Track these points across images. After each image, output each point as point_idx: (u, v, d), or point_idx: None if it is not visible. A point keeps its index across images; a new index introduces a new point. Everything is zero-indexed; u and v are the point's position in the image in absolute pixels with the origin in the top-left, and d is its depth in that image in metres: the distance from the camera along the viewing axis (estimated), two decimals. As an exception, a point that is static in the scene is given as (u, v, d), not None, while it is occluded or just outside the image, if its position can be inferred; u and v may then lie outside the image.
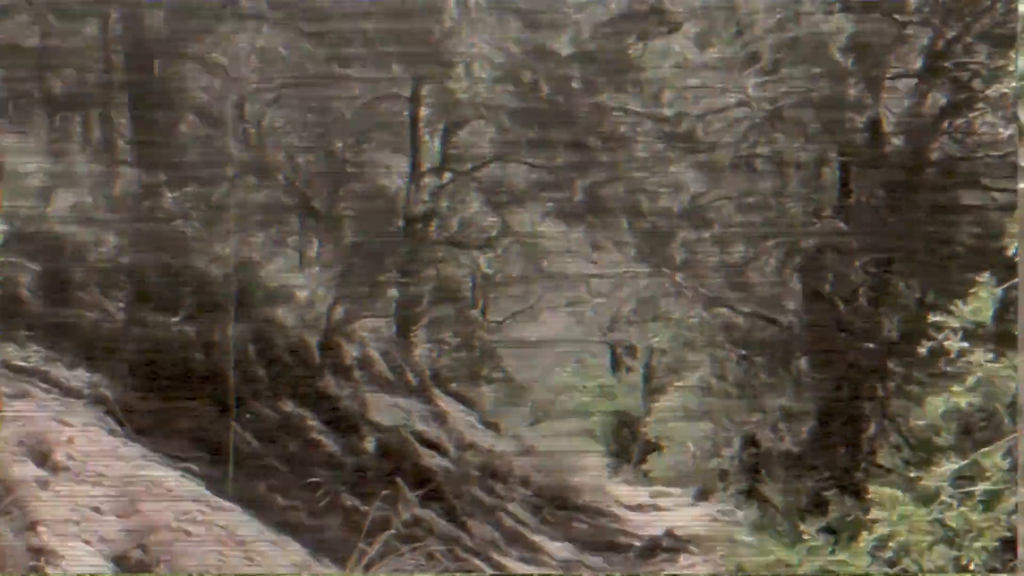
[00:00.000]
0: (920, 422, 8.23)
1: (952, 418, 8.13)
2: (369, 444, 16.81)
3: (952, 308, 7.66)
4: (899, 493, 7.48)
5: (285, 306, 18.20)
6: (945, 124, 14.17)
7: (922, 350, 7.86)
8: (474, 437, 22.00)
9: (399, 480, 16.24)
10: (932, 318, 7.72)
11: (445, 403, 22.94)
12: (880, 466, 14.89)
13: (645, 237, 15.65)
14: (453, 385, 25.34)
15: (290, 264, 20.35)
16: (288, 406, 15.68)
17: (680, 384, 27.79)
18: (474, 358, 29.15)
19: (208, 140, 19.49)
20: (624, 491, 25.29)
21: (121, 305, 13.99)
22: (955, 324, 7.73)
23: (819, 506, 13.96)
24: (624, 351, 33.45)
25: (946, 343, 7.77)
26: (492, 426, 24.36)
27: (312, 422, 15.85)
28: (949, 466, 7.88)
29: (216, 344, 14.89)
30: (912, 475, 7.99)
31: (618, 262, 16.84)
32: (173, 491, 10.17)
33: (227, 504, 10.73)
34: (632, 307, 19.69)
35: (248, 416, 14.12)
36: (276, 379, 16.00)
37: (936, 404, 8.10)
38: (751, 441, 22.32)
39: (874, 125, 14.21)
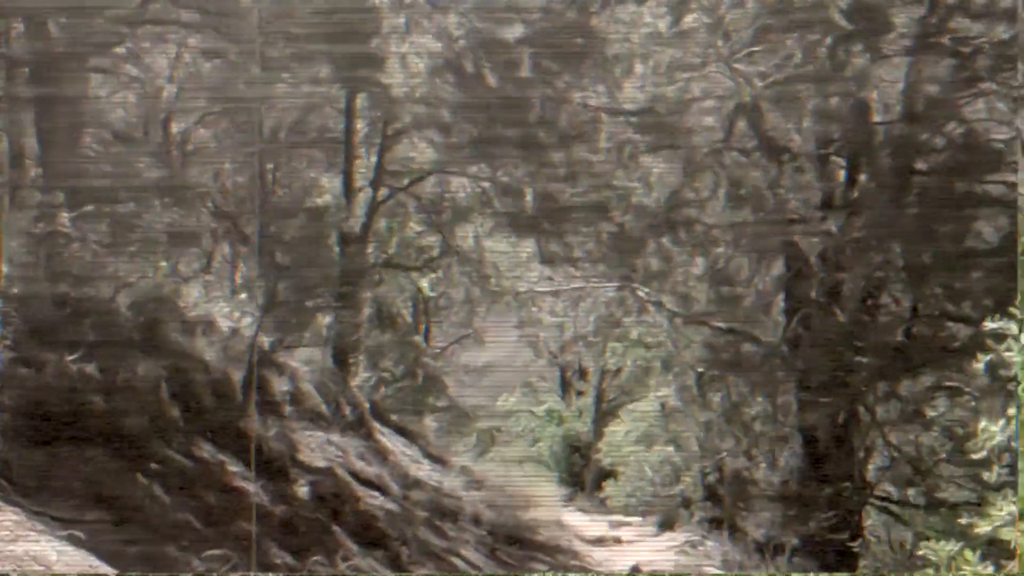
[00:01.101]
0: (973, 454, 6.50)
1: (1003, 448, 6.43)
2: (301, 489, 14.88)
3: (1015, 310, 5.91)
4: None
5: (205, 338, 16.25)
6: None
7: (979, 364, 6.09)
8: (419, 473, 20.07)
9: (336, 528, 14.35)
10: (989, 325, 5.96)
11: (386, 437, 21.01)
12: (883, 498, 13.18)
13: (612, 244, 13.82)
14: (394, 417, 23.39)
15: (210, 292, 18.36)
16: (205, 451, 13.73)
17: (634, 408, 26.11)
18: (417, 387, 27.28)
19: (119, 158, 17.64)
20: (582, 523, 23.43)
21: (7, 342, 11.99)
22: (1015, 330, 6.01)
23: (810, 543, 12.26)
24: (574, 374, 31.66)
25: (1005, 354, 6.05)
26: (437, 459, 22.41)
27: (233, 468, 13.91)
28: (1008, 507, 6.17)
29: (120, 384, 12.94)
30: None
31: (575, 276, 15.02)
32: (53, 567, 8.22)
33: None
34: (591, 327, 17.89)
35: (156, 466, 12.16)
36: (192, 421, 14.04)
37: (991, 433, 6.36)
38: (717, 467, 20.59)
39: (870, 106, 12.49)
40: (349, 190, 20.75)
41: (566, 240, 15.06)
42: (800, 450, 14.01)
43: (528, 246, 17.18)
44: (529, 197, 14.82)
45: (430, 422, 28.11)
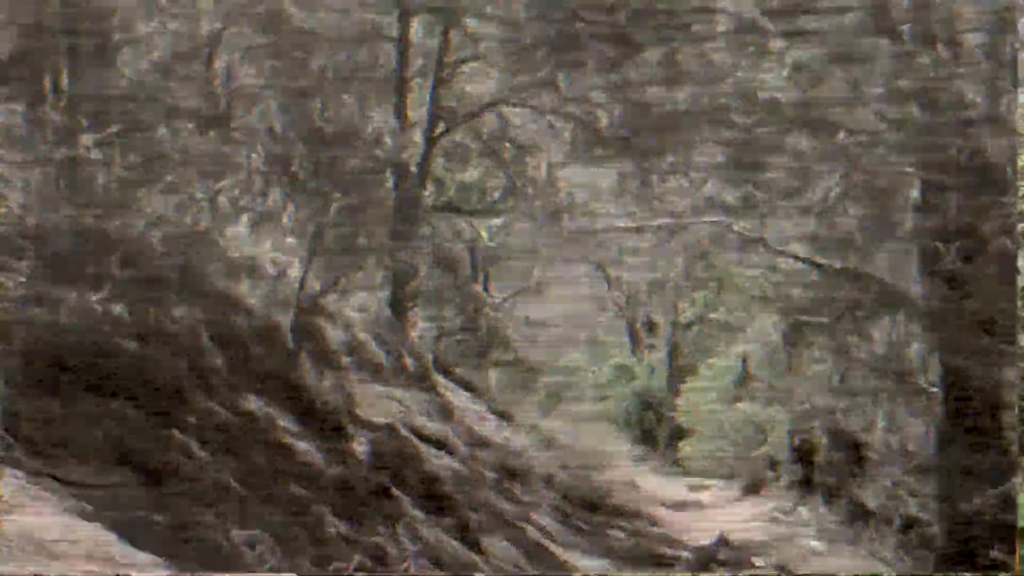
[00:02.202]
0: None
1: None
2: (359, 448, 13.26)
3: None
4: None
5: (249, 281, 14.65)
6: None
7: None
8: (486, 431, 18.46)
9: (397, 492, 12.72)
10: None
11: (450, 392, 19.40)
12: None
13: (733, 154, 11.95)
14: (457, 370, 21.75)
15: (256, 232, 16.73)
16: (252, 404, 12.13)
17: (714, 363, 24.35)
18: (479, 339, 25.69)
19: (155, 86, 16.09)
20: (658, 485, 21.76)
21: (21, 278, 10.40)
22: None
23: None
24: (643, 326, 29.87)
25: None
26: (504, 416, 20.75)
27: (283, 423, 12.30)
28: None
29: (152, 328, 11.34)
30: None
31: (662, 211, 13.23)
32: (54, 548, 6.61)
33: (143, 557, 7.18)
34: (679, 269, 15.94)
35: (193, 420, 10.56)
36: (237, 371, 12.45)
37: None
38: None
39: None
40: (403, 126, 19.08)
41: (657, 164, 13.20)
42: (939, 411, 12.14)
43: (609, 176, 15.33)
44: (614, 113, 12.97)
45: (494, 376, 26.67)
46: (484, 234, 25.11)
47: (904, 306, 12.11)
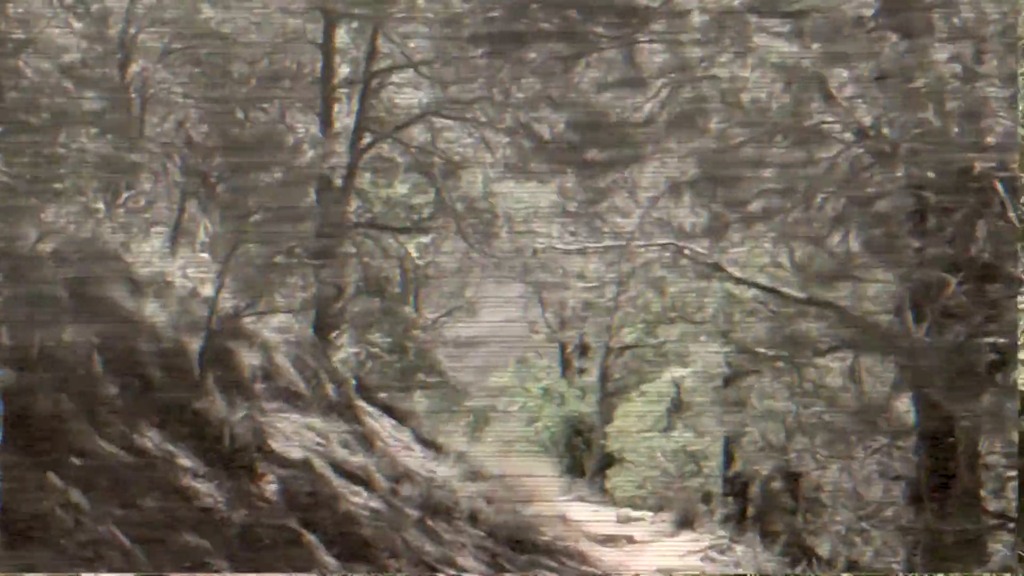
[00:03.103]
0: None
1: None
2: (269, 488, 11.84)
3: None
4: None
5: (157, 301, 13.18)
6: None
7: None
8: (409, 461, 17.04)
9: (309, 538, 11.33)
10: None
11: (373, 419, 17.98)
12: (998, 515, 10.14)
13: (700, 168, 10.61)
14: (382, 396, 20.31)
15: (168, 248, 15.29)
16: (149, 440, 10.68)
17: (648, 389, 23.16)
18: (408, 362, 24.33)
19: (58, 90, 14.69)
20: (587, 516, 20.43)
21: None
22: None
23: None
24: (575, 349, 28.61)
25: None
26: (430, 444, 19.34)
27: (184, 462, 10.86)
28: None
29: (36, 353, 9.89)
30: None
31: (606, 231, 11.92)
32: None
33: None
34: (634, 293, 14.55)
35: (76, 461, 9.11)
36: (133, 402, 10.99)
37: None
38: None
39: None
40: (327, 137, 17.69)
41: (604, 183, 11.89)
42: (912, 459, 10.92)
43: (550, 193, 14.00)
44: (559, 123, 11.64)
45: (420, 400, 25.32)
46: (413, 252, 23.78)
47: (877, 343, 10.92)
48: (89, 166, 12.06)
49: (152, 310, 12.87)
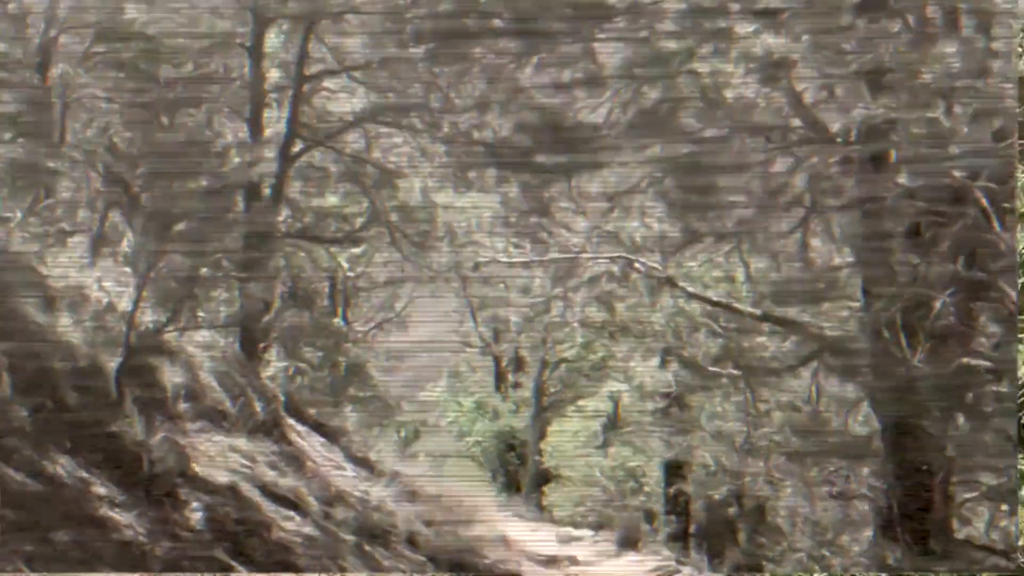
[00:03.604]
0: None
1: None
2: (193, 516, 10.96)
3: None
4: None
5: (71, 315, 12.26)
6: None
7: None
8: (342, 483, 16.19)
9: (239, 568, 10.49)
10: None
11: (302, 439, 17.10)
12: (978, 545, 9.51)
13: (664, 174, 9.89)
14: (311, 412, 19.44)
15: (85, 258, 14.35)
16: (60, 467, 9.79)
17: (584, 404, 22.50)
18: (339, 377, 23.52)
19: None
20: (525, 535, 19.68)
21: None
22: None
23: None
24: (509, 363, 27.89)
25: None
26: (362, 463, 18.50)
27: (99, 490, 9.97)
28: None
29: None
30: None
31: (549, 243, 11.21)
32: None
33: None
34: (578, 308, 13.83)
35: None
36: (44, 426, 10.09)
37: None
38: (675, 470, 16.99)
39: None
40: (256, 143, 16.86)
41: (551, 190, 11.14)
42: (875, 483, 10.27)
43: (491, 202, 13.24)
44: (501, 128, 10.89)
45: (350, 415, 24.51)
46: (344, 264, 23.01)
47: (842, 362, 10.29)
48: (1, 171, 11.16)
49: (66, 325, 11.97)
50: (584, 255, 10.85)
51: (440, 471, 22.09)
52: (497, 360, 27.44)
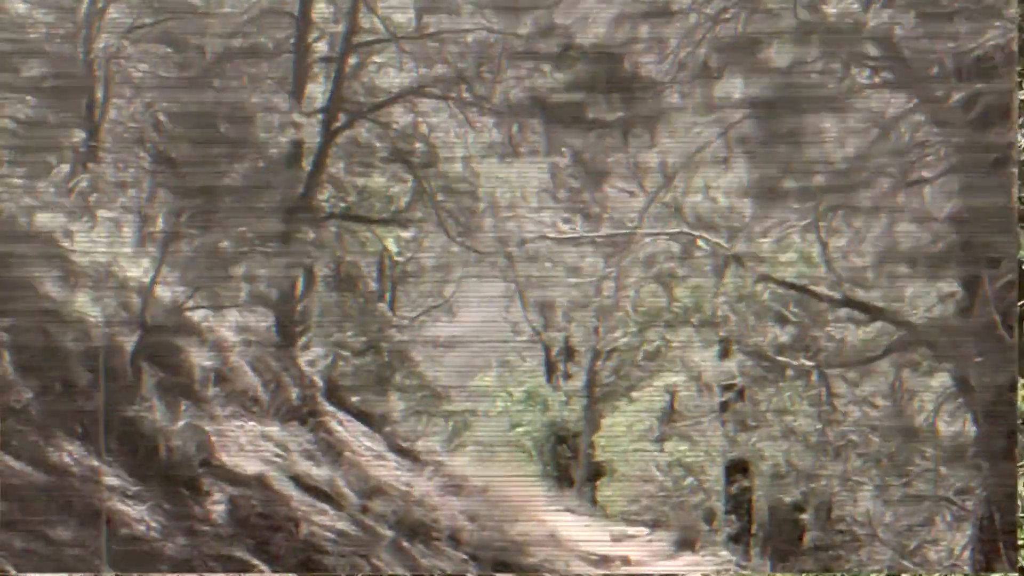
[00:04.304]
0: None
1: None
2: (215, 509, 10.03)
3: None
4: None
5: (92, 292, 11.36)
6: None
7: None
8: (383, 475, 15.24)
9: (262, 567, 9.54)
10: None
11: (343, 427, 16.17)
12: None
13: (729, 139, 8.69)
14: (353, 400, 18.49)
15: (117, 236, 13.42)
16: (68, 455, 8.87)
17: (640, 396, 21.38)
18: (382, 364, 22.53)
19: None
20: (577, 533, 18.64)
21: None
22: None
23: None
24: (559, 352, 26.79)
25: None
26: (406, 453, 17.53)
27: (110, 480, 9.05)
28: None
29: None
30: None
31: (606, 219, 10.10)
32: None
33: None
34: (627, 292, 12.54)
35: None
36: (51, 410, 9.19)
37: None
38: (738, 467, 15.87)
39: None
40: (299, 116, 15.88)
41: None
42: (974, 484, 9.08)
43: (539, 173, 12.10)
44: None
45: (397, 404, 23.61)
46: (392, 247, 22.04)
47: (933, 352, 9.12)
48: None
49: (84, 303, 11.07)
50: (640, 231, 9.73)
51: (488, 463, 21.11)
52: (547, 349, 26.37)
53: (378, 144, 16.95)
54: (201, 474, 10.24)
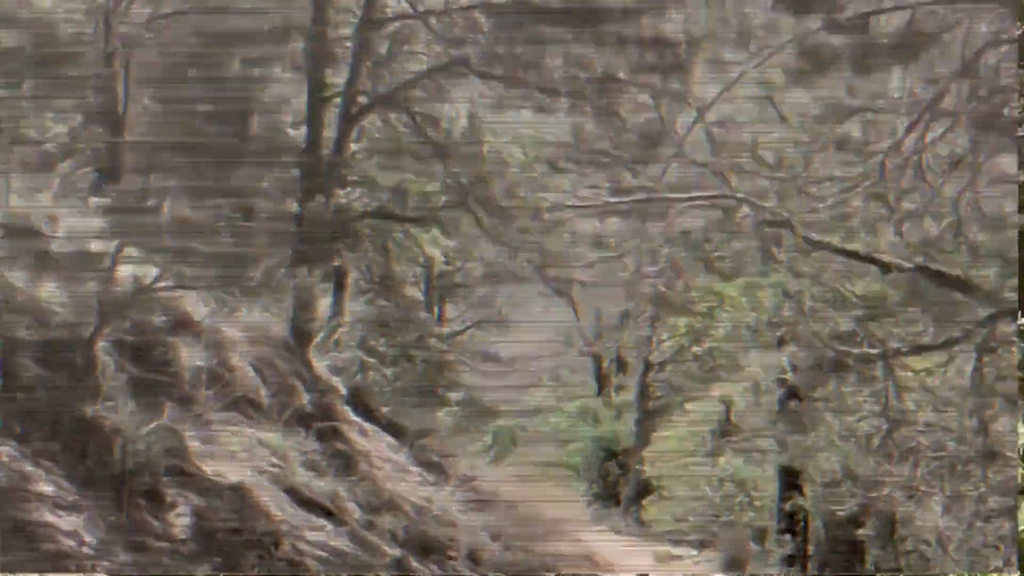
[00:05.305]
0: None
1: None
2: (177, 522, 8.59)
3: None
4: None
5: (67, 281, 9.99)
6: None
7: None
8: (400, 488, 13.73)
9: (223, 589, 8.08)
10: None
11: (364, 439, 14.67)
12: None
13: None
14: (383, 411, 16.97)
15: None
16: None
17: (693, 408, 19.77)
18: (420, 373, 21.13)
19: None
20: (619, 556, 17.03)
21: None
22: None
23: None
24: (611, 364, 25.20)
25: None
26: (434, 466, 15.98)
27: (44, 487, 7.65)
28: None
29: None
30: None
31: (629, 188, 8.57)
32: None
33: None
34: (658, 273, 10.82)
35: None
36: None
37: None
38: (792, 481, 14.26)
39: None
40: (316, 99, 14.55)
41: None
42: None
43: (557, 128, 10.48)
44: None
45: (440, 418, 22.23)
46: (438, 255, 20.65)
47: (1012, 331, 7.47)
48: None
49: (52, 291, 9.71)
50: (674, 196, 8.14)
51: (528, 480, 19.53)
52: (598, 361, 24.80)
53: (403, 130, 15.54)
54: (166, 483, 8.80)
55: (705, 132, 8.30)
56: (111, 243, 9.46)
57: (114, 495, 8.16)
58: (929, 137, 7.61)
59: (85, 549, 7.31)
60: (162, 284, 9.18)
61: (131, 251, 9.33)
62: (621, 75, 8.46)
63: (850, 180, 7.92)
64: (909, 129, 7.49)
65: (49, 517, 7.38)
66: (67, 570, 6.92)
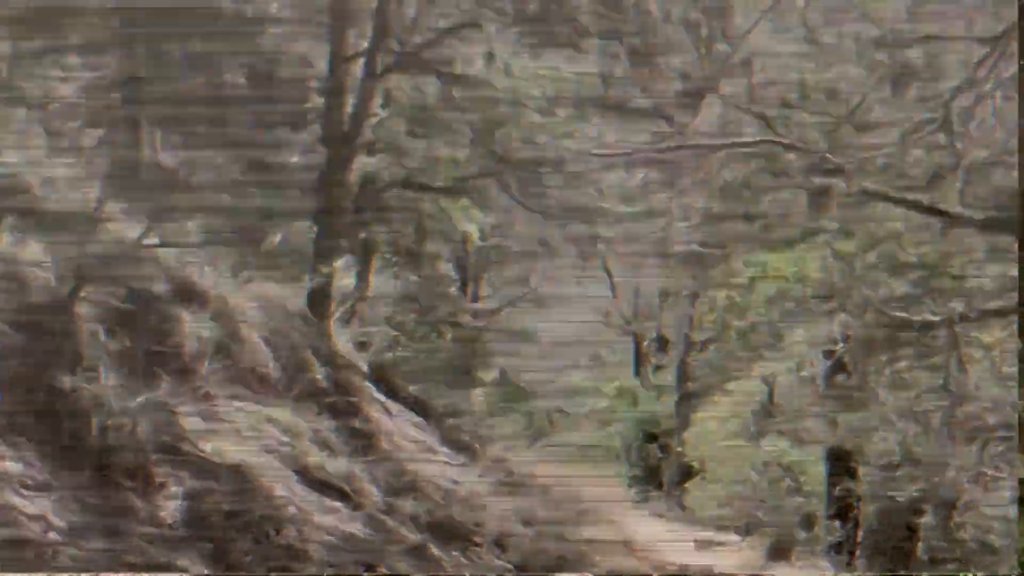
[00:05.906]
0: None
1: None
2: (167, 505, 7.77)
3: None
4: None
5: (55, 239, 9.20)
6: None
7: None
8: (426, 469, 12.87)
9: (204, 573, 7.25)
10: None
11: (387, 417, 13.84)
12: None
13: None
14: (409, 389, 16.12)
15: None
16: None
17: (734, 388, 18.82)
18: (453, 351, 20.35)
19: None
20: (659, 541, 16.13)
21: None
22: None
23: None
24: (650, 343, 24.22)
25: None
26: (463, 448, 15.10)
27: (9, 466, 6.85)
28: None
29: None
30: None
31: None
32: None
33: None
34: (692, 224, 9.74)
35: None
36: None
37: None
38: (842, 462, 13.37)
39: None
40: (338, 58, 13.73)
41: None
42: None
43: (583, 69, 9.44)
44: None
45: (477, 398, 21.55)
46: (475, 231, 19.72)
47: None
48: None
49: (38, 252, 8.93)
50: (710, 142, 7.17)
51: (564, 462, 18.69)
52: (637, 340, 23.83)
53: (429, 92, 14.68)
54: (155, 461, 7.98)
55: (745, 67, 7.34)
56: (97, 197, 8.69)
57: (92, 474, 7.35)
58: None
59: (52, 535, 6.49)
60: (149, 241, 8.34)
61: (115, 206, 8.56)
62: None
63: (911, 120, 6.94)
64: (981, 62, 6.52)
65: (13, 498, 6.57)
66: (23, 559, 6.10)
